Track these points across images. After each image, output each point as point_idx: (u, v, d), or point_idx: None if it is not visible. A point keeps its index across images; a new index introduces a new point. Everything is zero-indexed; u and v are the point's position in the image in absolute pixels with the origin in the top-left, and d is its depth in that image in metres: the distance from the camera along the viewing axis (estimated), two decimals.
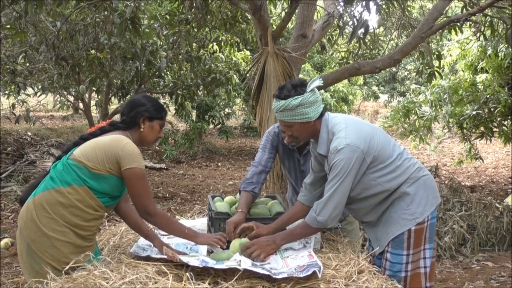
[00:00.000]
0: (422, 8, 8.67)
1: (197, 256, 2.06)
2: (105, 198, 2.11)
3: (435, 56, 6.20)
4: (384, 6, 6.17)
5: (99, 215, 2.12)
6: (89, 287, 1.75)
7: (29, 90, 8.39)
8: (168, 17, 5.96)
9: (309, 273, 1.86)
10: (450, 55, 8.04)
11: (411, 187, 2.27)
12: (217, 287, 1.82)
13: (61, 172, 2.07)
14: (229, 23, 6.10)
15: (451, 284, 4.18)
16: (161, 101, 9.48)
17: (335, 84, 12.02)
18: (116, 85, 8.09)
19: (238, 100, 12.93)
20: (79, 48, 6.10)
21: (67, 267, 1.93)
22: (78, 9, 5.05)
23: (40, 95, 8.23)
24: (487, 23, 5.43)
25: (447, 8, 6.01)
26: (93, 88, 8.31)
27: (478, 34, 5.44)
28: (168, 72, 8.69)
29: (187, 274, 1.82)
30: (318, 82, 2.24)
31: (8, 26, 5.37)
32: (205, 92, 9.39)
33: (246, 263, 1.93)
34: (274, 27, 5.18)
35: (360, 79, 16.68)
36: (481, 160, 8.51)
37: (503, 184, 8.49)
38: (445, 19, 5.29)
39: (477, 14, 4.83)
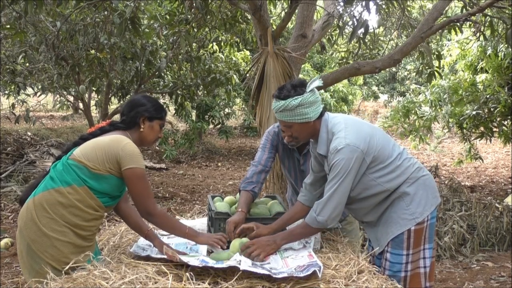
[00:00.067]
0: (422, 8, 8.66)
1: (197, 256, 2.06)
2: (105, 198, 2.11)
3: (435, 56, 6.20)
4: (384, 6, 6.16)
5: (99, 215, 2.13)
6: (89, 287, 1.75)
7: (29, 90, 8.39)
8: (168, 17, 5.95)
9: (309, 272, 1.86)
10: (450, 55, 8.04)
11: (411, 187, 2.27)
12: (217, 287, 1.82)
13: (61, 172, 2.08)
14: (229, 23, 6.10)
15: (451, 284, 4.18)
16: (161, 101, 9.50)
17: (335, 84, 12.01)
18: (116, 85, 8.08)
19: (238, 100, 12.93)
20: (79, 48, 6.10)
21: (67, 267, 1.93)
22: (78, 9, 5.05)
23: (40, 95, 8.23)
24: (487, 23, 5.43)
25: (447, 8, 6.01)
26: (93, 88, 8.30)
27: (478, 34, 5.43)
28: (168, 72, 8.69)
29: (187, 274, 1.82)
30: (318, 82, 2.24)
31: (8, 26, 5.37)
32: (205, 92, 9.39)
33: (246, 263, 1.93)
34: (274, 27, 5.18)
35: (360, 79, 16.68)
36: (481, 160, 8.51)
37: (503, 184, 8.49)
38: (445, 19, 5.29)
39: (477, 14, 4.83)
